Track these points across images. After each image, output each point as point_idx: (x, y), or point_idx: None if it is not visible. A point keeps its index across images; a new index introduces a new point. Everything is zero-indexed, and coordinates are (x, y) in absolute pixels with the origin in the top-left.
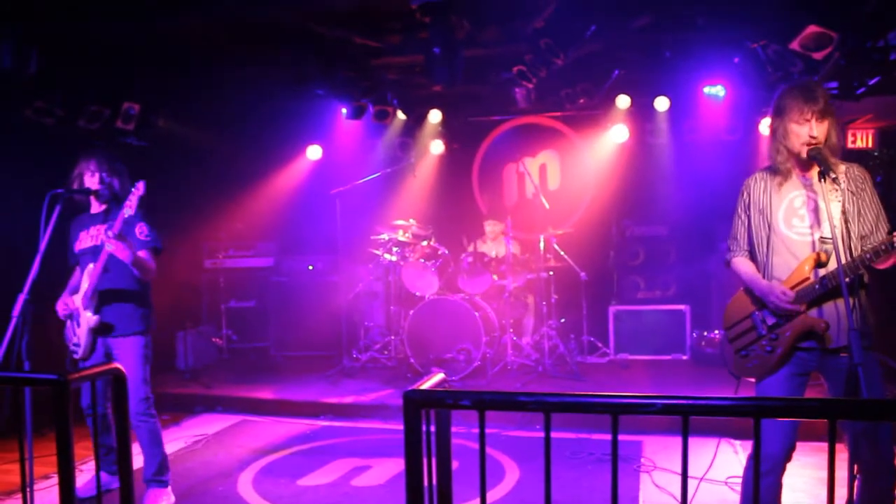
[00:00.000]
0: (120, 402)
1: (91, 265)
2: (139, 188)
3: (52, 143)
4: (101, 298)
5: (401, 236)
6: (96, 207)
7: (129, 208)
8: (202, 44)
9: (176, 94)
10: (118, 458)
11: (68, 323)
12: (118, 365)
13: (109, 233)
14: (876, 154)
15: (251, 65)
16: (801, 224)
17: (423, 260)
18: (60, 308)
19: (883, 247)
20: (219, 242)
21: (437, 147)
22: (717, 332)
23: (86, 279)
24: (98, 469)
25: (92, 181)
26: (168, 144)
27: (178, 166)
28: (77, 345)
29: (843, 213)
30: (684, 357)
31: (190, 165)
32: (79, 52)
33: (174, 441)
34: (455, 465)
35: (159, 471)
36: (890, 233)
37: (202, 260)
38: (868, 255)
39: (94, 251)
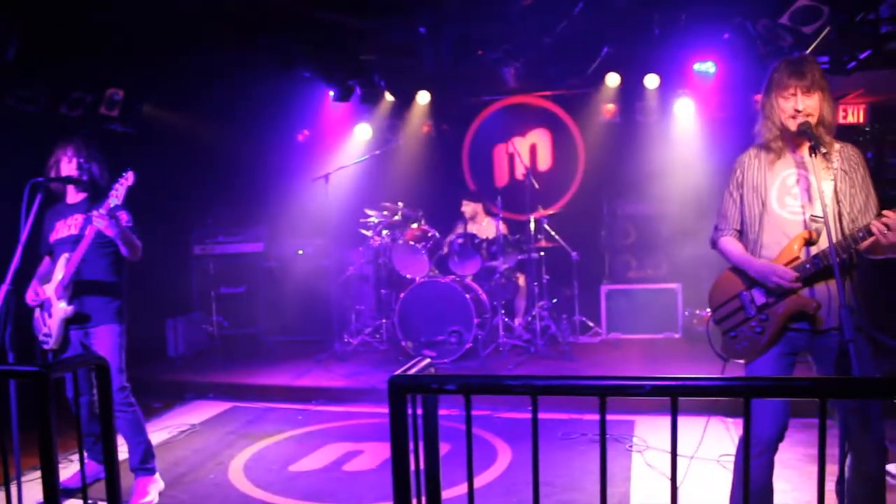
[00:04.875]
0: (104, 392)
1: (67, 255)
2: (128, 178)
3: (34, 130)
4: (77, 288)
5: (390, 219)
6: (73, 197)
7: (116, 198)
8: (187, 29)
9: (161, 79)
10: (103, 448)
11: (37, 312)
12: (100, 355)
13: (101, 209)
14: (867, 129)
15: (237, 49)
16: (793, 203)
17: (413, 242)
18: (30, 297)
19: (861, 233)
20: (207, 228)
21: (426, 128)
22: (708, 310)
23: (60, 269)
24: (82, 460)
25: (69, 168)
26: (154, 130)
27: (165, 152)
28: (48, 335)
29: (836, 191)
30: (676, 335)
31: (176, 151)
32: (62, 39)
33: (165, 429)
34: (447, 448)
35: (144, 458)
36: (878, 215)
37: (191, 246)
38: (861, 234)
39: (74, 241)
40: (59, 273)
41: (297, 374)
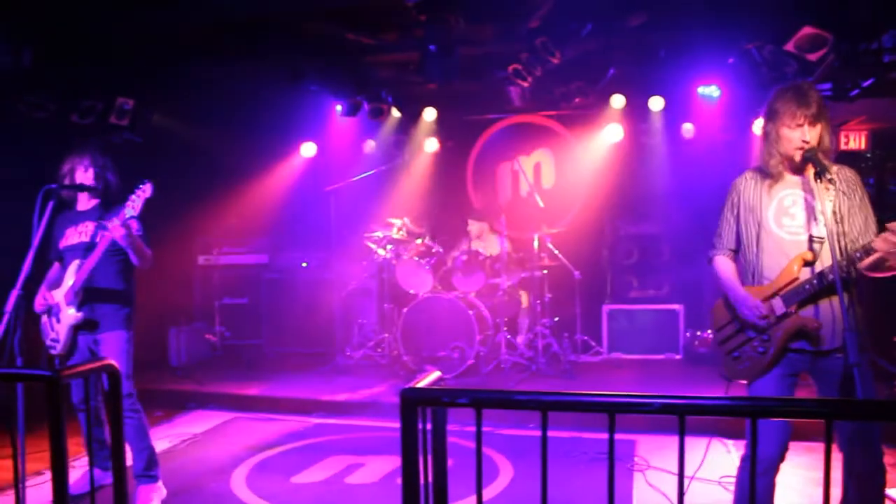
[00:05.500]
0: (115, 398)
1: (78, 261)
2: (146, 190)
3: (45, 137)
4: (87, 295)
5: (395, 234)
6: (85, 204)
7: (133, 209)
8: (197, 40)
9: (170, 89)
10: (112, 454)
11: (44, 318)
12: (112, 361)
13: (115, 220)
14: (868, 155)
15: (246, 61)
16: (791, 223)
17: (417, 258)
18: (39, 303)
19: (866, 248)
20: (212, 239)
21: (431, 145)
22: (709, 331)
23: (71, 275)
24: (91, 465)
25: (85, 176)
26: (162, 140)
27: (172, 162)
28: (55, 340)
29: (835, 212)
30: (677, 356)
31: (184, 161)
32: (73, 47)
33: (166, 438)
34: (450, 463)
35: (148, 466)
36: (878, 234)
37: (195, 256)
38: (858, 254)
39: (85, 248)
40: (70, 279)
41: (298, 386)
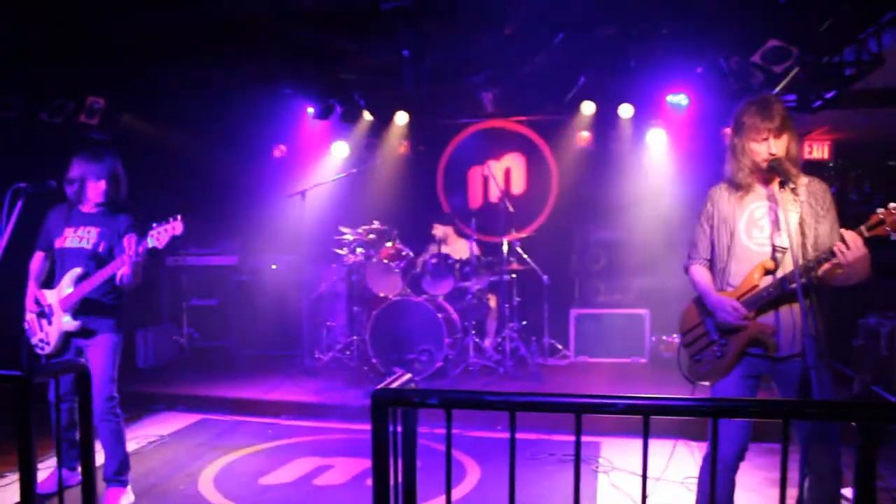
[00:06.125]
0: (84, 399)
1: (80, 269)
2: (176, 228)
3: (12, 136)
4: (84, 305)
5: (365, 237)
6: (89, 206)
7: (157, 242)
8: (169, 41)
9: (142, 89)
10: (81, 455)
11: (30, 316)
12: (82, 362)
13: (140, 249)
14: (831, 165)
15: (218, 63)
16: (760, 234)
17: (386, 261)
18: (31, 305)
19: (824, 255)
20: (181, 240)
21: (403, 148)
22: (675, 336)
23: (70, 283)
24: (60, 466)
25: (96, 191)
26: (132, 140)
27: (142, 162)
28: (44, 341)
29: (801, 223)
30: (643, 360)
31: (154, 161)
32: (44, 46)
33: (134, 440)
34: (418, 464)
35: (120, 470)
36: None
37: (164, 257)
38: (823, 256)
39: (88, 255)
40: (69, 287)
41: (267, 387)
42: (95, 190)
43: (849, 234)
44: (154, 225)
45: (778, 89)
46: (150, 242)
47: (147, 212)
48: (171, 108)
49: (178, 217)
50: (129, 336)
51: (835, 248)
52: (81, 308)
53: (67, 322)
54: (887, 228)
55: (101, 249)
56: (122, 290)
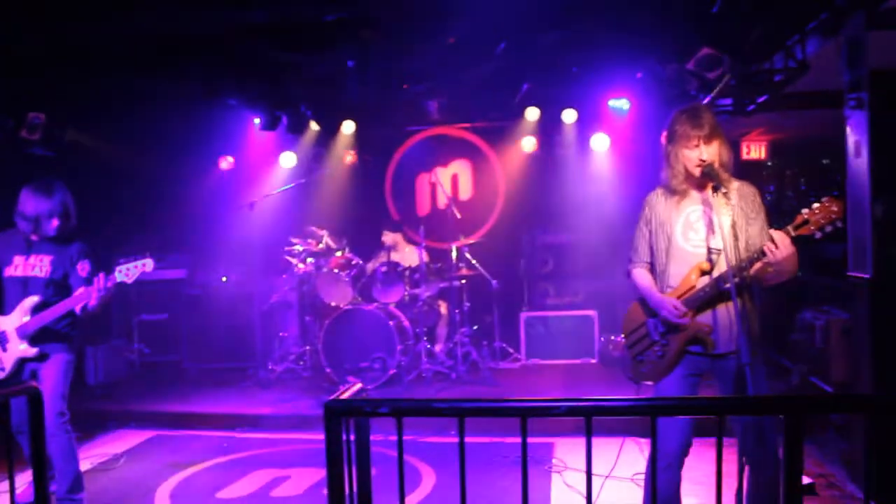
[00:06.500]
0: (36, 421)
1: (37, 298)
2: (147, 266)
3: None
4: (42, 333)
5: (315, 247)
6: (40, 237)
7: (126, 277)
8: (113, 55)
9: (84, 103)
10: (34, 477)
11: None
12: (34, 384)
13: (108, 284)
14: (769, 164)
15: (163, 76)
16: (696, 237)
17: (337, 270)
18: None
19: (755, 255)
20: (129, 255)
21: (350, 157)
22: (622, 336)
23: (27, 311)
24: (12, 489)
25: (49, 225)
26: (76, 155)
27: (86, 178)
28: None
29: (733, 225)
30: (593, 360)
31: (98, 177)
32: None
33: (87, 459)
34: (374, 472)
35: (72, 488)
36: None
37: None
38: (755, 255)
39: (44, 283)
40: (26, 315)
41: (221, 401)
42: (48, 226)
43: (777, 235)
44: (122, 260)
45: (713, 94)
46: (119, 277)
47: (95, 228)
48: (116, 123)
49: (148, 255)
50: (78, 354)
51: (765, 248)
52: (39, 335)
53: (25, 349)
54: (812, 227)
55: (56, 276)
56: (78, 318)
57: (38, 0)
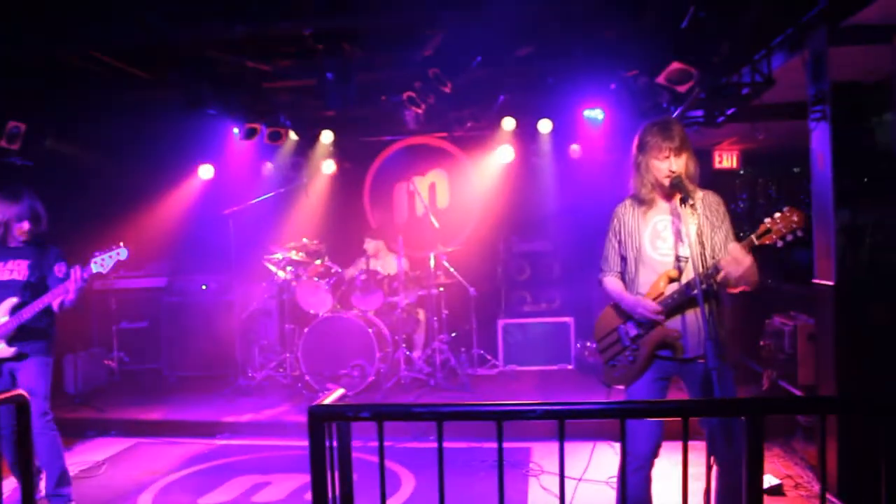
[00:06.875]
0: (23, 428)
1: (14, 299)
2: (122, 254)
3: None
4: (19, 332)
5: (294, 255)
6: (14, 240)
7: (101, 267)
8: (93, 65)
9: (64, 114)
10: (22, 479)
11: None
12: (21, 391)
13: (84, 275)
14: (741, 173)
15: (143, 86)
16: (663, 245)
17: (316, 278)
18: None
19: (714, 269)
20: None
21: (329, 167)
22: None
23: (5, 312)
24: None
25: (21, 230)
26: (55, 164)
27: (66, 187)
28: None
29: (699, 234)
30: (569, 366)
31: (78, 186)
32: None
33: (68, 467)
34: (354, 477)
35: (59, 483)
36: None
37: (91, 281)
38: (711, 270)
39: (20, 286)
40: (4, 317)
41: (201, 408)
42: (20, 230)
43: (735, 248)
44: (97, 252)
45: (684, 106)
46: (94, 268)
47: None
48: (96, 132)
49: (121, 244)
50: (57, 362)
51: (719, 264)
52: (16, 334)
53: (3, 349)
54: (774, 237)
55: (34, 279)
56: (54, 315)
57: (16, 10)
